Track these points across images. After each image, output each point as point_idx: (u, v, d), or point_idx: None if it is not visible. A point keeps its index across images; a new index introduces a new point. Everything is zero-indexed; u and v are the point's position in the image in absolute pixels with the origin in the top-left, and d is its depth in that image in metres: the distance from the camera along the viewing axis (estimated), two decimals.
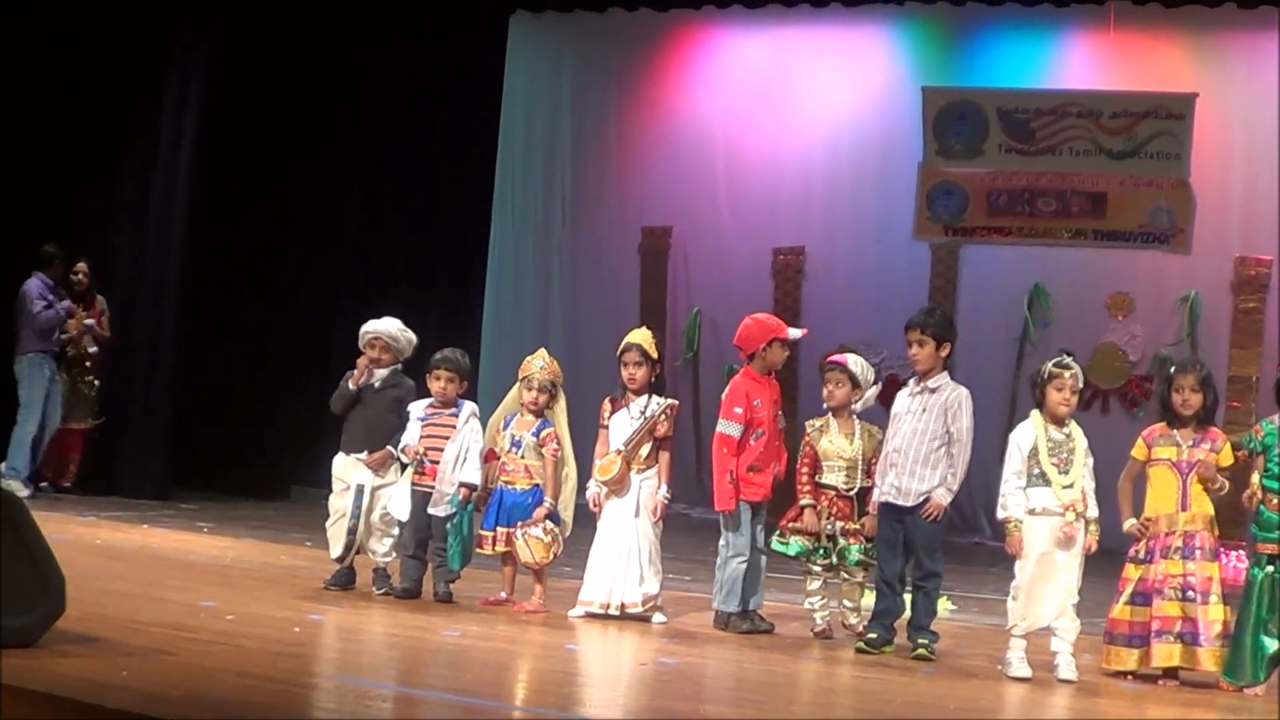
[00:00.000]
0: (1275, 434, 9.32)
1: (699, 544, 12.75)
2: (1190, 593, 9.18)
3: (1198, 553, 9.23)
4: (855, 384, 10.38)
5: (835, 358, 10.61)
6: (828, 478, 10.30)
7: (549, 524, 10.57)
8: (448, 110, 18.31)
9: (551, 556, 10.58)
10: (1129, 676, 9.28)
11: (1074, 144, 17.76)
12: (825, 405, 10.47)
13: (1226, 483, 9.36)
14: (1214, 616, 9.14)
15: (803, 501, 10.32)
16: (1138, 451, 9.54)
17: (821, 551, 10.26)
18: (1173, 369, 9.67)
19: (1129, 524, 9.40)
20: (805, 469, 10.39)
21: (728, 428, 10.36)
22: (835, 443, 10.33)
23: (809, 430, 10.46)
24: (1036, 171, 17.87)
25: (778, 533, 10.38)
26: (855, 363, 10.50)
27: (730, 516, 10.31)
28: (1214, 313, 17.21)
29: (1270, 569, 9.16)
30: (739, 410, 10.37)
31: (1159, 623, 9.19)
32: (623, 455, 10.47)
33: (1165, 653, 9.17)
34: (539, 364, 10.84)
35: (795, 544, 10.29)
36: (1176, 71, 17.63)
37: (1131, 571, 9.38)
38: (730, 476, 10.26)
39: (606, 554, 10.46)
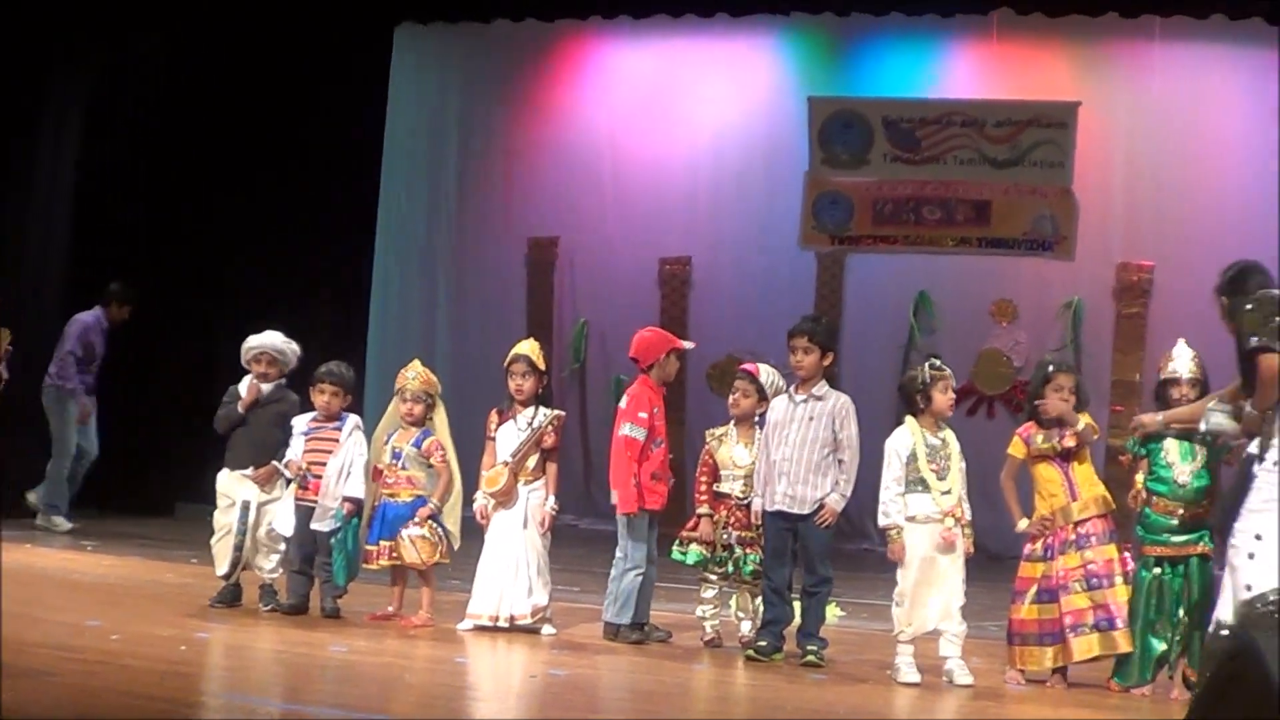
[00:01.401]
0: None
1: (588, 555, 12.74)
2: (1095, 580, 9.26)
3: (1093, 539, 9.32)
4: (762, 395, 10.39)
5: (747, 366, 10.62)
6: (725, 486, 10.33)
7: (432, 524, 10.53)
8: (332, 121, 18.19)
9: (438, 556, 10.55)
10: (1020, 678, 9.33)
11: (958, 153, 17.84)
12: (731, 413, 10.47)
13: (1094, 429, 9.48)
14: (1122, 598, 9.23)
15: (700, 511, 10.33)
16: (1017, 450, 9.59)
17: (718, 560, 10.27)
18: (1050, 368, 9.75)
19: (1022, 524, 9.45)
20: (704, 478, 10.40)
21: (633, 431, 10.37)
22: (734, 452, 10.35)
23: (709, 439, 10.49)
24: (921, 180, 17.95)
25: (676, 542, 10.40)
26: (766, 373, 10.52)
27: (633, 525, 10.32)
28: (1097, 318, 17.35)
29: (1157, 570, 9.25)
30: (644, 415, 10.40)
31: (1071, 617, 9.25)
32: (510, 467, 10.44)
33: (1085, 645, 9.24)
34: (411, 375, 10.84)
35: (694, 553, 10.30)
36: (1059, 80, 17.77)
37: (1032, 570, 9.43)
38: (634, 480, 10.27)
39: (494, 566, 10.42)
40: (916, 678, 9.22)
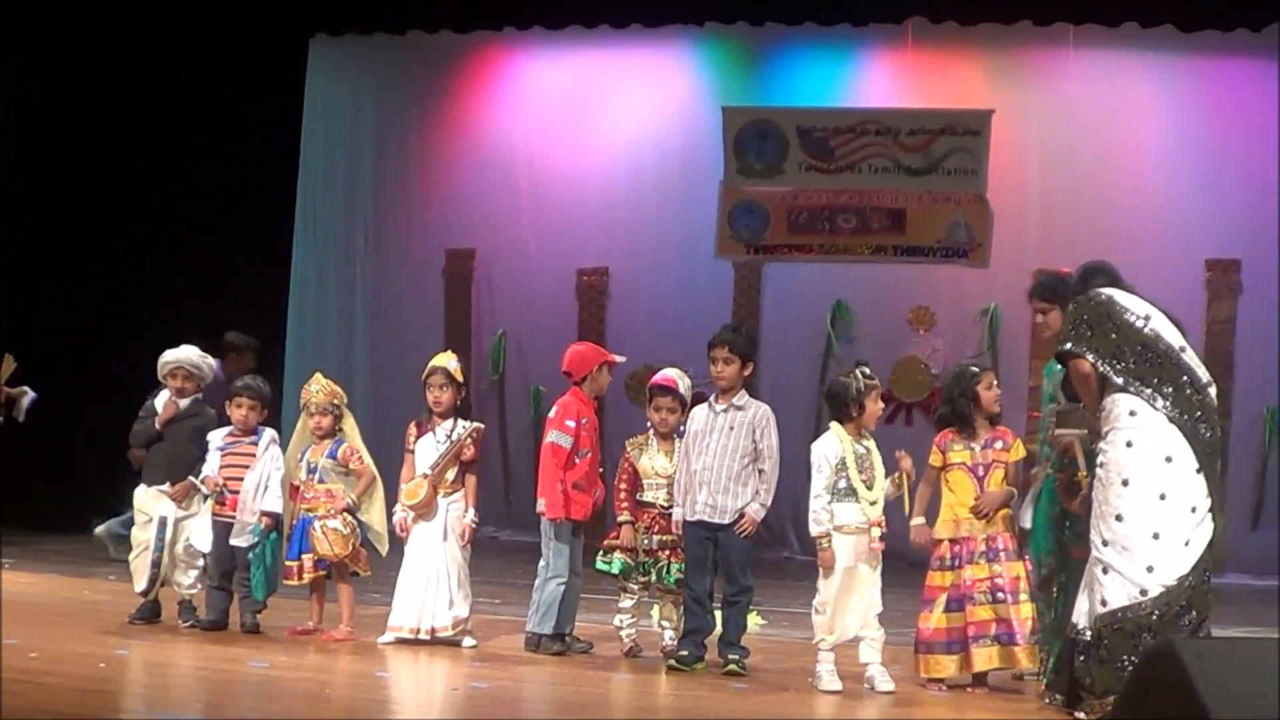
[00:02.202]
0: None
1: (509, 567, 12.73)
2: (1000, 594, 9.30)
3: (1002, 554, 9.37)
4: (684, 405, 10.39)
5: (664, 381, 10.48)
6: (648, 495, 10.31)
7: (347, 516, 10.50)
8: (247, 134, 18.08)
9: (350, 549, 10.50)
10: (943, 685, 9.36)
11: (873, 161, 17.91)
12: (659, 431, 10.40)
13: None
14: (1025, 615, 9.27)
15: (621, 519, 10.33)
16: (935, 459, 9.63)
17: (642, 568, 10.27)
18: (973, 370, 9.80)
19: (918, 520, 9.48)
20: (624, 486, 10.39)
21: (560, 439, 10.37)
22: (656, 461, 10.33)
23: (629, 448, 10.47)
24: (836, 189, 18.01)
25: (600, 552, 10.39)
26: (684, 384, 10.52)
27: (558, 533, 10.32)
28: (1014, 324, 17.40)
29: None
30: (570, 424, 10.40)
31: (974, 627, 9.30)
32: (429, 479, 10.42)
33: (985, 656, 9.29)
34: (315, 388, 10.82)
35: (618, 561, 10.29)
36: (973, 88, 17.87)
37: (941, 579, 9.47)
38: (560, 486, 10.28)
39: (415, 578, 10.39)
40: (838, 685, 9.25)
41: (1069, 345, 8.52)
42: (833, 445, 9.50)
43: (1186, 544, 8.27)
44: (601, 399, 11.10)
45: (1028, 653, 9.24)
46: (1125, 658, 8.04)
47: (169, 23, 17.61)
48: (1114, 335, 8.42)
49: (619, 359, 11.02)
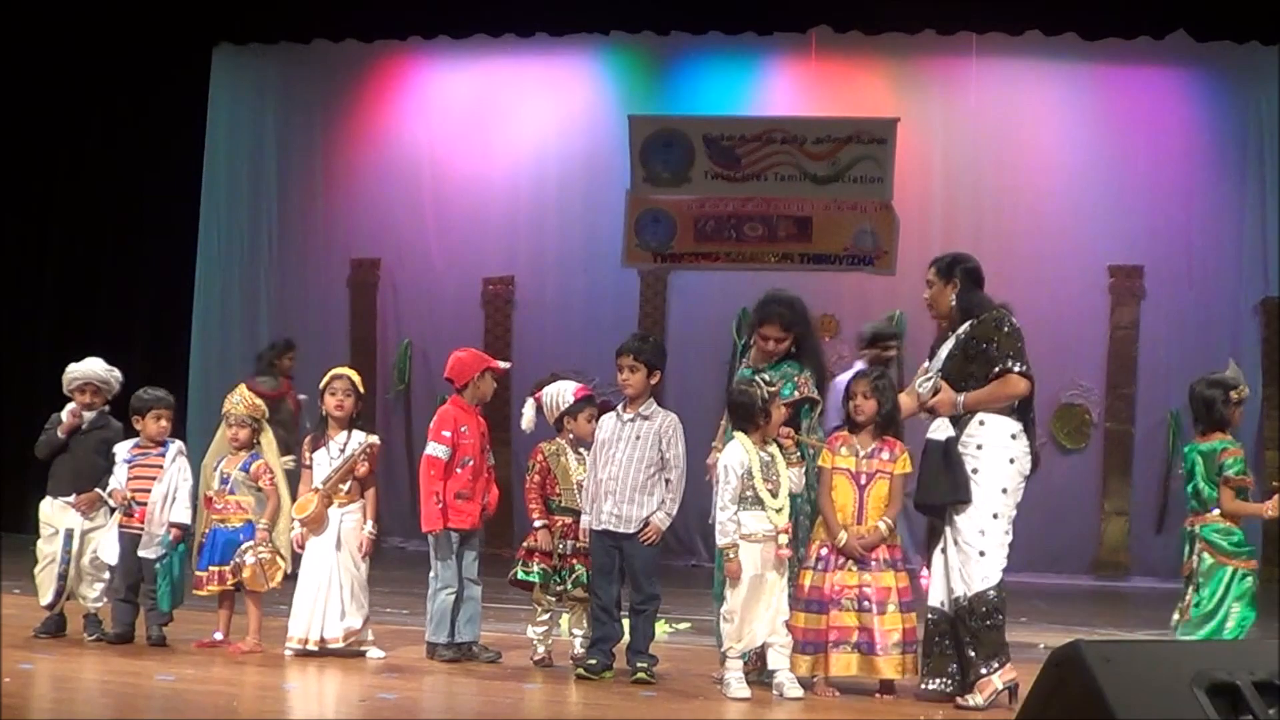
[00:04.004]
0: None
1: (415, 577, 12.65)
2: (866, 603, 9.33)
3: (874, 564, 9.39)
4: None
5: (586, 389, 10.62)
6: (567, 501, 10.30)
7: (271, 545, 10.46)
8: (150, 143, 18.02)
9: (279, 579, 10.50)
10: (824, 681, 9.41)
11: (779, 169, 17.98)
12: (586, 441, 10.38)
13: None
14: (890, 625, 9.30)
15: (537, 523, 10.31)
16: (824, 460, 9.65)
17: (558, 576, 10.26)
18: (853, 376, 9.90)
19: (842, 537, 9.48)
20: (534, 491, 10.37)
21: (435, 450, 10.36)
22: (574, 467, 10.32)
23: (544, 452, 10.44)
24: (743, 197, 18.06)
25: (520, 562, 10.36)
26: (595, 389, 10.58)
27: (439, 544, 10.31)
28: (920, 331, 17.48)
29: None
30: (447, 434, 10.38)
31: (836, 633, 9.34)
32: (319, 494, 10.37)
33: (843, 662, 9.34)
34: (235, 400, 10.78)
35: (537, 571, 10.26)
36: (878, 97, 17.98)
37: (806, 579, 9.49)
38: (437, 498, 10.25)
39: (308, 589, 10.35)
40: (746, 693, 9.24)
41: (1018, 365, 9.29)
42: (737, 454, 9.48)
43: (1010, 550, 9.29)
44: (489, 404, 11.02)
45: (889, 663, 9.29)
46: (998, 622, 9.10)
47: (71, 29, 17.49)
48: None
49: (503, 365, 11.01)
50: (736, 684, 9.30)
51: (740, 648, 9.37)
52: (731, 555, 9.36)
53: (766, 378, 9.69)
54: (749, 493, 9.40)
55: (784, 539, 9.39)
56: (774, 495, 9.42)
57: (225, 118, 19.16)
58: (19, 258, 17.82)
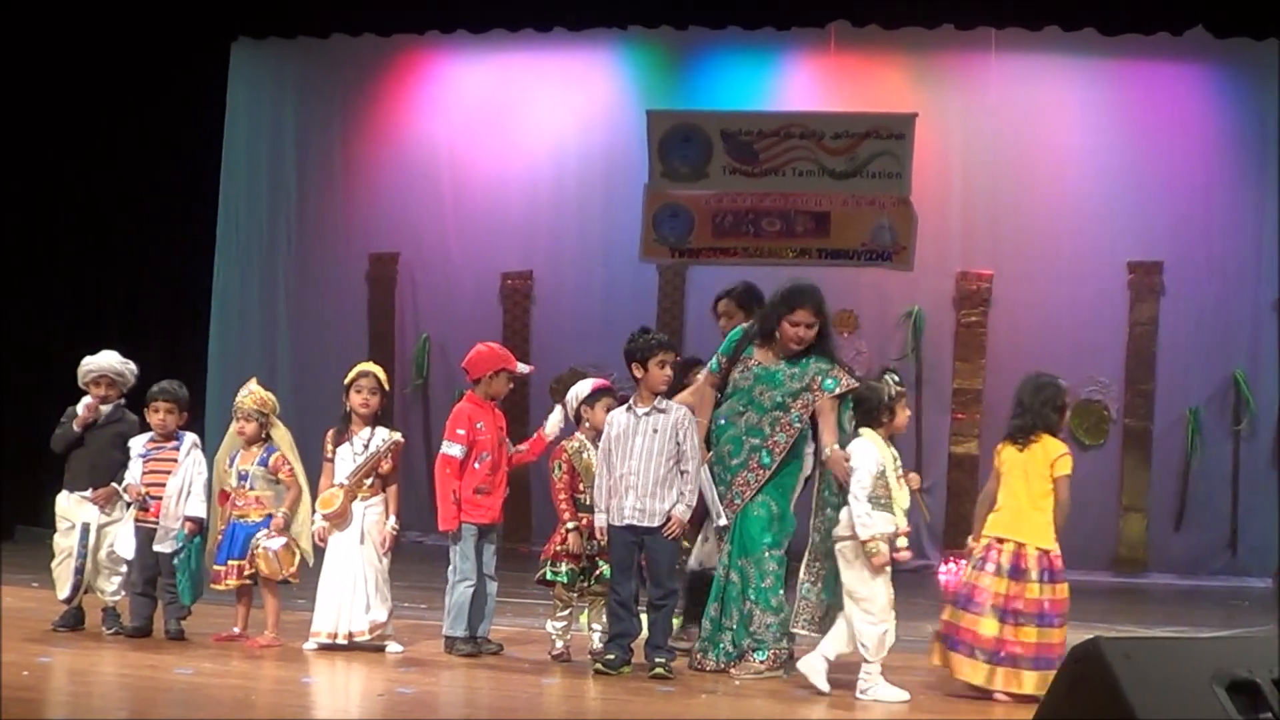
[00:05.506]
0: None
1: (434, 572, 12.65)
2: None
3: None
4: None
5: (603, 381, 10.80)
6: (588, 499, 10.26)
7: (287, 535, 10.45)
8: (169, 138, 18.01)
9: (294, 567, 10.47)
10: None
11: (797, 165, 17.92)
12: (594, 426, 10.37)
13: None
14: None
15: (568, 525, 10.24)
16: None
17: (583, 577, 10.25)
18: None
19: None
20: (564, 491, 10.32)
21: (450, 448, 10.38)
22: (592, 462, 10.29)
23: (568, 450, 10.41)
24: (761, 192, 18.01)
25: (549, 562, 10.31)
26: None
27: (455, 539, 10.31)
28: (937, 327, 17.53)
29: None
30: (461, 432, 10.39)
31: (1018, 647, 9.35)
32: (345, 489, 10.37)
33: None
34: (244, 394, 10.77)
35: (565, 572, 10.23)
36: (896, 92, 17.92)
37: (1001, 586, 9.47)
38: (453, 496, 10.27)
39: (333, 583, 10.36)
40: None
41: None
42: (870, 453, 9.32)
43: None
44: (507, 400, 11.03)
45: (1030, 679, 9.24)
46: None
47: (90, 25, 17.50)
48: None
49: (523, 369, 11.05)
50: (884, 686, 9.21)
51: (884, 653, 9.28)
52: (871, 548, 9.19)
53: (895, 376, 9.63)
54: (879, 492, 9.29)
55: (903, 541, 9.33)
56: (900, 494, 9.35)
57: (244, 112, 19.14)
58: (36, 251, 17.83)
